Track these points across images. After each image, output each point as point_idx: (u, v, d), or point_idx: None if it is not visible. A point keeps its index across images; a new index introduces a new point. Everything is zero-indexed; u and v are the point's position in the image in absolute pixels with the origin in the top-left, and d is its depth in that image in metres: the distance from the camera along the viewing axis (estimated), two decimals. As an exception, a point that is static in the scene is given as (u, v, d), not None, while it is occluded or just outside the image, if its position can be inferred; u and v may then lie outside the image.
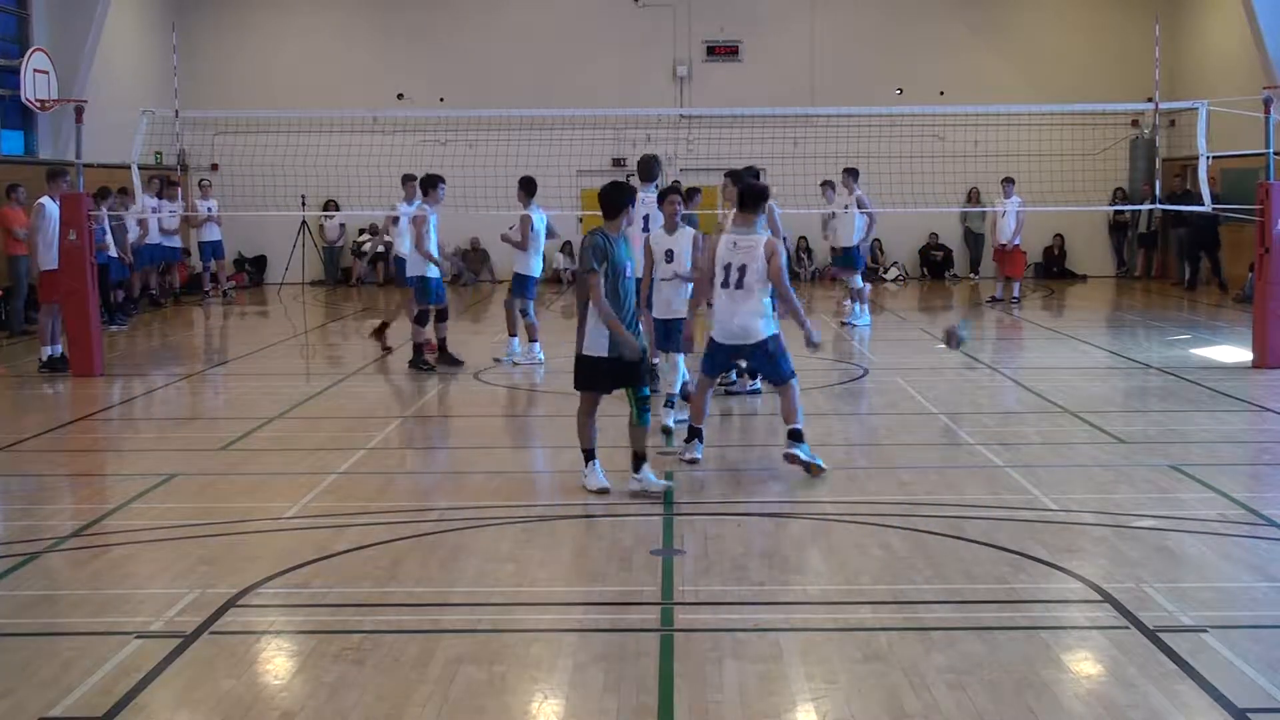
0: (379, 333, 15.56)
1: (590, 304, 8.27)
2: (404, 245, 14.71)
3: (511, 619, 6.18)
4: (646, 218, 12.75)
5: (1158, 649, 5.62)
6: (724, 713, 5.05)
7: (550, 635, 5.93)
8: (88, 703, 5.17)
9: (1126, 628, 5.89)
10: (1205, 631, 5.76)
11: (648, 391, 8.43)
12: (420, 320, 14.13)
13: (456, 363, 14.20)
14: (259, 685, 5.40)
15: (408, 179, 15.30)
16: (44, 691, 5.28)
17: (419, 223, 13.97)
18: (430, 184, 14.11)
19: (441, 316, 14.34)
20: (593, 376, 8.38)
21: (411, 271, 14.19)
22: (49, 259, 14.51)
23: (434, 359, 14.28)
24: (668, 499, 8.38)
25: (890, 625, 6.00)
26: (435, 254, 14.06)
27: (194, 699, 5.23)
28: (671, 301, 10.53)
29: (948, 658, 5.55)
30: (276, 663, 5.66)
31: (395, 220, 15.47)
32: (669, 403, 10.50)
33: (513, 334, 14.55)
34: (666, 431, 10.24)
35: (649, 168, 12.38)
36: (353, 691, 5.26)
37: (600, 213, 8.47)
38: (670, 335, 10.57)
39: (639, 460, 8.42)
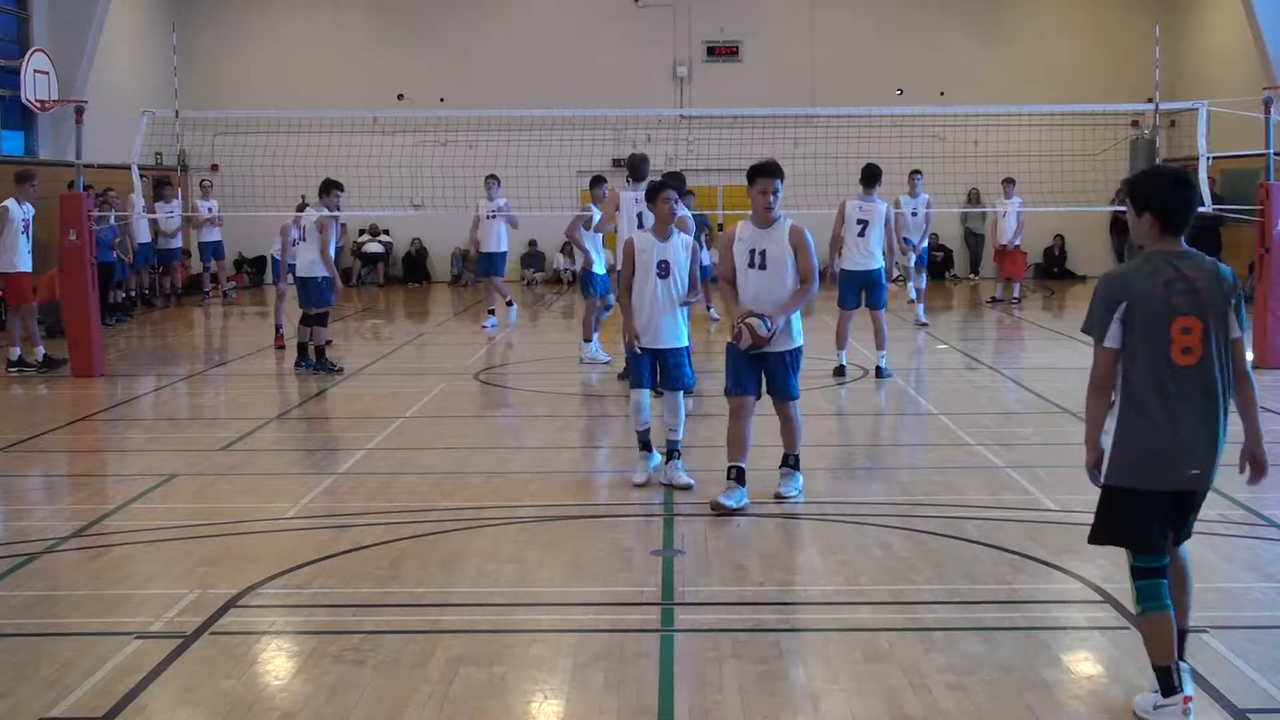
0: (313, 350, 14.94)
1: (1093, 392, 4.91)
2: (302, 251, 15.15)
3: (511, 619, 6.18)
4: (640, 215, 12.82)
5: (1158, 649, 5.61)
6: (724, 713, 5.04)
7: (550, 636, 5.92)
8: (88, 703, 5.16)
9: (1126, 628, 5.88)
10: (1205, 632, 5.75)
11: (1167, 560, 4.97)
12: (320, 321, 14.19)
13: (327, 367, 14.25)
14: (259, 686, 5.40)
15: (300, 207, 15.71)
16: (44, 691, 5.28)
17: (325, 226, 14.01)
18: (328, 188, 14.21)
19: (321, 320, 14.29)
20: (1128, 518, 4.94)
21: (303, 273, 14.23)
22: (8, 262, 14.51)
23: (280, 351, 15.10)
24: (667, 499, 8.37)
25: (890, 625, 6.00)
26: (332, 260, 14.24)
27: (194, 699, 5.22)
28: (664, 327, 8.59)
29: (948, 658, 5.55)
30: (277, 663, 5.66)
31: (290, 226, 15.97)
32: (673, 450, 8.62)
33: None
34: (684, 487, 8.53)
35: (638, 167, 12.56)
36: (353, 692, 5.26)
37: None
38: (666, 369, 8.67)
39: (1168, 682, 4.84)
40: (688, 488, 8.50)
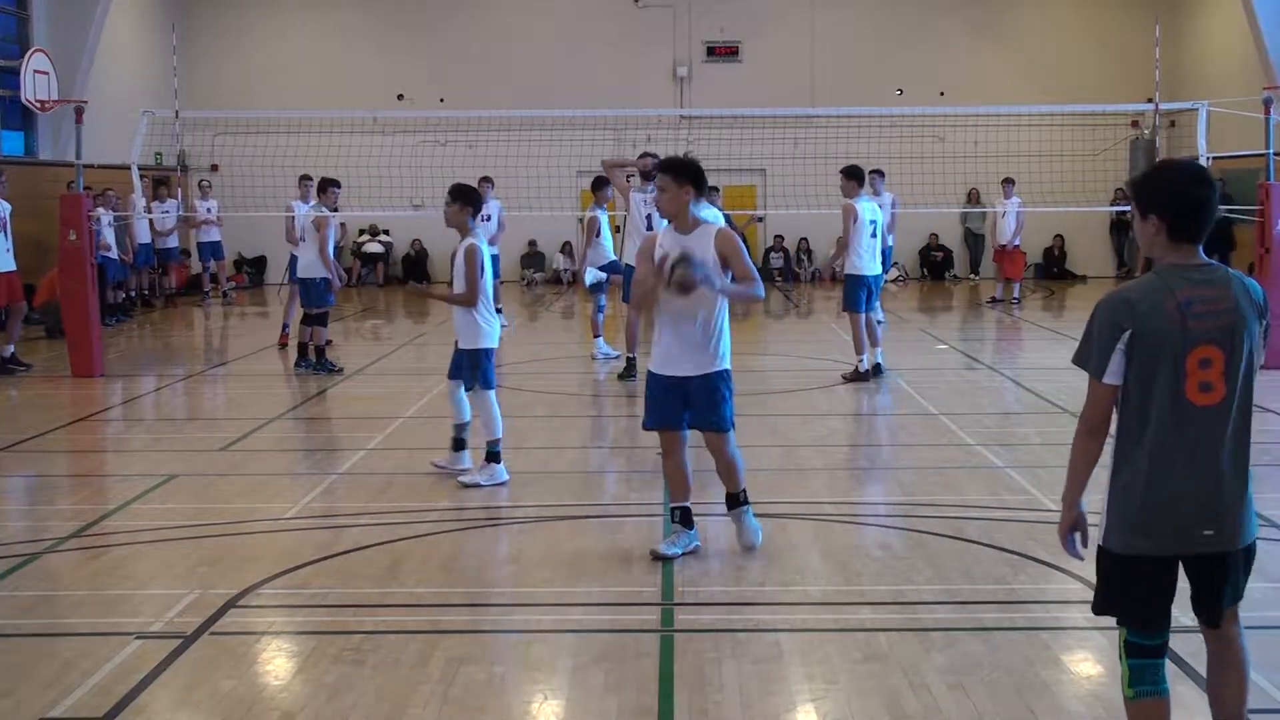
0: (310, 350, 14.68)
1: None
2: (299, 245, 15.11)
3: (511, 619, 6.18)
4: (650, 217, 12.79)
5: (1158, 649, 5.60)
6: (724, 713, 5.04)
7: (550, 636, 5.93)
8: (88, 703, 5.16)
9: (1126, 628, 5.87)
10: (1205, 632, 5.75)
11: (1167, 638, 4.37)
12: (320, 321, 14.15)
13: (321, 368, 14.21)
14: (259, 686, 5.40)
15: (304, 178, 15.71)
16: (44, 692, 5.28)
17: (322, 225, 13.99)
18: (325, 186, 14.19)
19: (321, 320, 14.25)
20: (1135, 589, 4.16)
21: (303, 274, 14.19)
22: None
23: (282, 350, 15.41)
24: (667, 499, 8.37)
25: (890, 626, 6.00)
26: (331, 258, 14.17)
27: (194, 700, 5.23)
28: (458, 326, 8.80)
29: (948, 658, 5.55)
30: (277, 663, 5.66)
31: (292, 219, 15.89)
32: (488, 449, 8.79)
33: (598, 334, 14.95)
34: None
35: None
36: (353, 692, 5.25)
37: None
38: (459, 364, 8.83)
39: None
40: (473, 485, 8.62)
